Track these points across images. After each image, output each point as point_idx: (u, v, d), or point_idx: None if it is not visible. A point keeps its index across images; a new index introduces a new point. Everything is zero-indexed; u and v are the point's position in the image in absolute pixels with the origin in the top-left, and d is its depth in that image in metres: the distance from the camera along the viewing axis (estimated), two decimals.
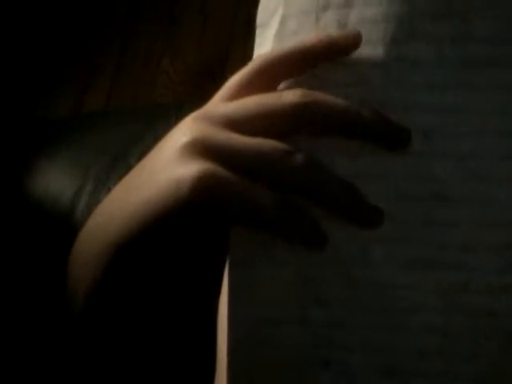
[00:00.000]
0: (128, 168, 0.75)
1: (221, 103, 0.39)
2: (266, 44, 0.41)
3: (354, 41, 0.38)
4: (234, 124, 0.37)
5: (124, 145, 0.74)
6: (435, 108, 0.38)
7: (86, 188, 0.71)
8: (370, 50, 0.38)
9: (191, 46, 1.62)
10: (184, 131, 0.37)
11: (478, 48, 0.38)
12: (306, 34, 0.39)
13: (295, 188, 0.36)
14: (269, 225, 0.37)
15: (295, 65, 0.38)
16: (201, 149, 0.36)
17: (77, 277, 0.41)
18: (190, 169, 0.36)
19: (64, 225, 0.70)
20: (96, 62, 1.61)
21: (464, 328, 0.37)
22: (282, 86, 0.39)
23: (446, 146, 0.38)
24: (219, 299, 0.63)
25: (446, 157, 0.38)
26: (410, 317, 0.38)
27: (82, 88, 1.58)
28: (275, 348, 0.39)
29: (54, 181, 0.72)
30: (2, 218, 0.72)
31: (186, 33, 1.64)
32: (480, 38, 0.38)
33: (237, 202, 0.36)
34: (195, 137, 0.37)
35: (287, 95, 0.37)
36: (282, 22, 0.40)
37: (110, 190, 0.75)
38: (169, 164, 0.37)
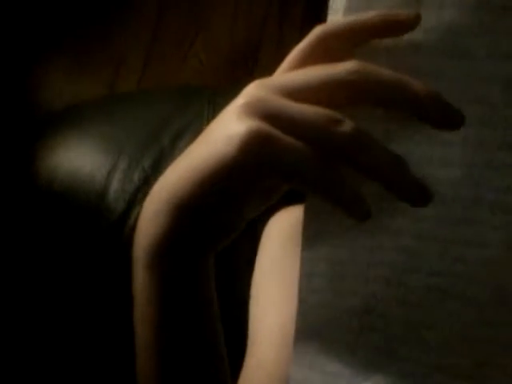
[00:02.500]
0: (160, 148, 0.77)
1: (281, 74, 0.41)
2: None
3: (415, 19, 0.38)
4: (290, 93, 0.38)
5: (156, 125, 0.74)
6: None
7: (119, 166, 0.71)
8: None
9: (223, 30, 1.63)
10: (243, 95, 0.39)
11: None
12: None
13: (341, 155, 0.37)
14: (312, 184, 0.38)
15: (353, 37, 0.39)
16: (255, 110, 0.38)
17: (142, 232, 0.43)
18: (242, 126, 0.37)
19: (98, 201, 0.70)
20: (127, 44, 1.62)
21: None
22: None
23: None
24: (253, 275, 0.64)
25: None
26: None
27: (114, 69, 1.59)
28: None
29: (89, 157, 0.73)
30: (34, 195, 0.73)
31: (219, 16, 1.65)
32: None
33: (283, 159, 0.37)
34: (251, 99, 0.38)
35: (343, 65, 0.38)
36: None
37: (143, 168, 0.76)
38: (225, 123, 0.39)
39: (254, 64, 1.60)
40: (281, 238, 0.63)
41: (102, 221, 0.70)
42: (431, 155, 0.39)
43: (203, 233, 0.42)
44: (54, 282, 0.71)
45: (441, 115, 0.38)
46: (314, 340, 0.42)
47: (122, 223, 0.70)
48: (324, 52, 0.40)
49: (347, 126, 0.37)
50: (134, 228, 0.70)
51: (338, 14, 0.40)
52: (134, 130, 0.74)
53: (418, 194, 0.38)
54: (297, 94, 0.38)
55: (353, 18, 0.39)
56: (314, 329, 0.41)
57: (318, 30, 0.40)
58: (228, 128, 0.38)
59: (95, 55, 1.60)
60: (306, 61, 0.40)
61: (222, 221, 0.41)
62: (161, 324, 0.44)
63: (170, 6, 1.67)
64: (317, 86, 0.38)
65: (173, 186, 0.41)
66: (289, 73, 0.40)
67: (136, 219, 0.69)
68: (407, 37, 0.39)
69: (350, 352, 0.41)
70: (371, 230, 0.40)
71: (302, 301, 0.41)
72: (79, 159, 0.73)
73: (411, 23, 0.38)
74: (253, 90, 0.39)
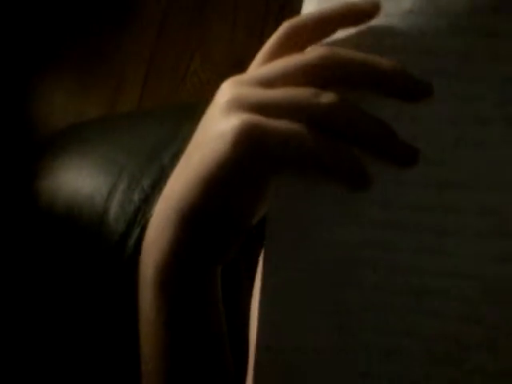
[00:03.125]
0: (160, 167, 0.76)
1: (254, 69, 0.42)
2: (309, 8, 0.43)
3: (374, 8, 0.39)
4: (266, 83, 0.39)
5: (157, 144, 0.74)
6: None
7: (120, 186, 0.71)
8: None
9: (222, 47, 1.63)
10: (221, 95, 0.40)
11: None
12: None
13: (328, 125, 0.38)
14: (313, 163, 0.38)
15: (320, 29, 0.40)
16: (238, 104, 0.38)
17: (149, 248, 0.42)
18: (230, 121, 0.38)
19: (98, 222, 0.70)
20: (127, 63, 1.63)
21: None
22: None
23: None
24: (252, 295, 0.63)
25: None
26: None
27: (113, 89, 1.60)
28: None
29: (89, 178, 0.72)
30: (32, 215, 0.73)
31: (216, 34, 1.65)
32: None
33: (280, 143, 0.37)
34: (232, 96, 0.39)
35: (313, 51, 0.39)
36: None
37: (143, 188, 0.76)
38: (212, 123, 0.39)
39: None
40: None
41: (102, 242, 0.70)
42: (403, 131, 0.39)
43: (212, 242, 0.40)
44: (55, 302, 0.71)
45: (408, 87, 0.38)
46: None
47: (123, 244, 0.70)
48: (294, 45, 0.40)
49: (328, 95, 0.38)
50: (134, 248, 0.71)
51: (312, 2, 0.42)
52: (134, 150, 0.74)
53: (407, 152, 0.38)
54: (272, 83, 0.39)
55: (317, 10, 0.40)
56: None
57: (286, 25, 0.41)
58: (217, 127, 0.38)
59: (95, 76, 1.61)
60: (276, 55, 0.41)
61: (230, 224, 0.40)
62: (169, 339, 0.42)
63: (168, 25, 1.68)
64: (290, 73, 0.39)
65: (176, 197, 0.40)
66: (260, 67, 0.41)
67: (136, 239, 0.70)
68: (371, 23, 0.40)
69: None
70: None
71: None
72: (79, 180, 0.72)
73: (372, 11, 0.40)
74: (230, 88, 0.40)
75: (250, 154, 0.37)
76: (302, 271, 0.39)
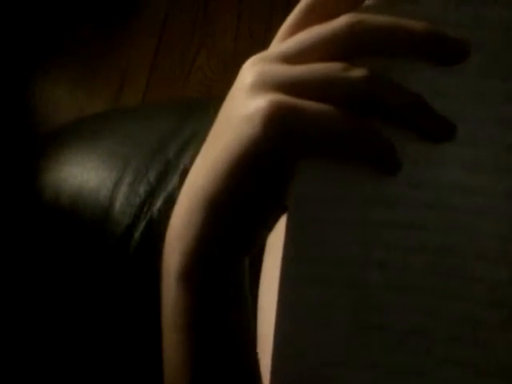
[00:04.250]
0: (166, 160, 0.77)
1: (276, 44, 0.39)
2: None
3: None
4: (289, 58, 0.37)
5: (162, 137, 0.74)
6: None
7: (125, 179, 0.71)
8: None
9: (227, 42, 1.63)
10: (245, 76, 0.37)
11: None
12: None
13: (361, 101, 0.36)
14: (344, 145, 0.36)
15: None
16: (265, 83, 0.36)
17: (175, 235, 0.40)
18: (258, 103, 0.35)
19: (104, 216, 0.70)
20: (132, 58, 1.63)
21: None
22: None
23: None
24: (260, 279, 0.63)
25: None
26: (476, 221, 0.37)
27: (118, 85, 1.60)
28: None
29: (94, 172, 0.72)
30: (37, 209, 0.73)
31: (222, 29, 1.65)
32: None
33: (311, 124, 0.35)
34: (256, 74, 0.36)
35: (336, 21, 0.36)
36: None
37: (148, 181, 0.76)
38: (238, 104, 0.37)
39: None
40: None
41: (108, 235, 0.70)
42: (441, 92, 0.37)
43: (242, 230, 0.38)
44: (60, 295, 0.71)
45: (444, 49, 0.36)
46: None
47: (129, 237, 0.70)
48: (319, 17, 0.38)
49: (359, 70, 0.35)
50: (140, 241, 0.71)
51: None
52: (139, 143, 0.74)
53: (444, 127, 0.37)
54: (297, 57, 0.37)
55: None
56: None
57: None
58: (243, 110, 0.36)
59: (100, 70, 1.61)
60: (300, 28, 0.38)
61: (260, 211, 0.38)
62: (197, 330, 0.40)
63: (173, 20, 1.68)
64: (317, 45, 0.36)
65: (202, 185, 0.38)
66: (284, 41, 0.38)
67: (142, 232, 0.70)
68: None
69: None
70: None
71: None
72: (84, 173, 0.73)
73: None
74: (254, 67, 0.37)
75: (280, 137, 0.35)
76: (324, 264, 0.38)
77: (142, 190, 0.71)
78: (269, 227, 0.39)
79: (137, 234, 0.69)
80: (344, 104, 0.35)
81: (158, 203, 0.70)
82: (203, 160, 0.39)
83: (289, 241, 0.38)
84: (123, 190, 0.71)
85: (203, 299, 0.39)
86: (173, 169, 0.72)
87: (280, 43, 0.38)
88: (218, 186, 0.37)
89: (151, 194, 0.70)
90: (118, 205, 0.70)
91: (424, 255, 0.38)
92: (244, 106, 0.36)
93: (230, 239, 0.38)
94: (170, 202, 0.70)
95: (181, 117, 0.77)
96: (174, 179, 0.71)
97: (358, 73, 0.35)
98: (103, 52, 1.64)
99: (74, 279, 0.71)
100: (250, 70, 0.37)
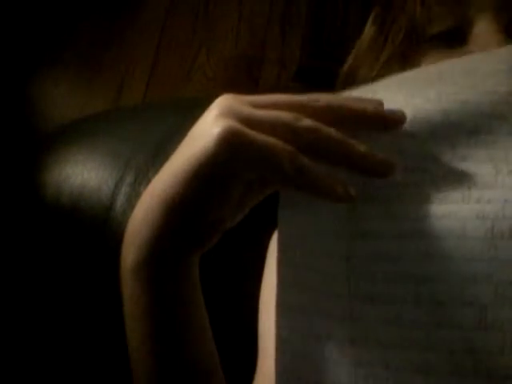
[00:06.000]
0: (167, 159, 0.76)
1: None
2: None
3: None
4: (256, 106, 0.44)
5: (163, 137, 0.74)
6: None
7: (126, 179, 0.71)
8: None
9: (227, 42, 1.63)
10: (216, 105, 0.44)
11: None
12: None
13: (306, 146, 0.42)
14: (285, 173, 0.41)
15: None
16: (229, 114, 0.43)
17: (132, 232, 0.46)
18: (218, 125, 0.42)
19: (105, 216, 0.70)
20: (132, 58, 1.63)
21: None
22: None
23: None
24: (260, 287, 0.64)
25: None
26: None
27: (118, 84, 1.60)
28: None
29: (95, 171, 0.73)
30: (37, 209, 0.73)
31: (222, 29, 1.65)
32: None
33: (256, 149, 0.41)
34: (225, 106, 0.43)
35: (303, 122, 0.43)
36: None
37: (149, 181, 0.76)
38: (202, 126, 0.44)
39: (258, 74, 1.60)
40: None
41: (109, 235, 0.70)
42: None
43: (193, 231, 0.45)
44: (60, 294, 0.71)
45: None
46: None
47: None
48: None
49: (307, 121, 0.43)
50: None
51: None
52: (140, 143, 0.74)
53: (383, 167, 0.42)
54: (263, 107, 0.44)
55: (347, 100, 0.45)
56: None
57: (314, 97, 0.45)
58: (206, 129, 0.43)
59: (100, 70, 1.61)
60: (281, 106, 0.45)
61: (210, 217, 0.45)
62: (147, 319, 0.46)
63: (173, 20, 1.68)
64: (280, 104, 0.44)
65: (163, 186, 0.44)
66: (260, 96, 0.45)
67: None
68: None
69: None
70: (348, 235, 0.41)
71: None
72: (85, 173, 0.73)
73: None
74: (225, 100, 0.44)
75: (230, 156, 0.42)
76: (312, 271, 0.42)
77: (142, 189, 0.71)
78: (217, 235, 0.46)
79: None
80: (290, 144, 0.42)
81: None
82: (167, 167, 0.45)
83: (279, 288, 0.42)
84: (124, 189, 0.71)
85: (153, 290, 0.45)
86: None
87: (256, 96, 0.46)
88: (175, 190, 0.43)
89: None
90: (119, 205, 0.70)
91: (408, 284, 0.39)
92: (207, 126, 0.43)
93: (181, 236, 0.45)
94: None
95: (181, 116, 0.77)
96: None
97: (306, 122, 0.42)
98: (103, 52, 1.64)
99: (74, 279, 0.71)
100: (222, 101, 0.44)
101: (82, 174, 0.73)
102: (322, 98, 0.44)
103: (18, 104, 1.55)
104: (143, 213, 0.45)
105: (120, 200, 0.71)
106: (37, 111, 1.56)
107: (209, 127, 0.43)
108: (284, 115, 0.43)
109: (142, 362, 0.47)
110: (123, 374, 0.69)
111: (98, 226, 0.71)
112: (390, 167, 0.42)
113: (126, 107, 1.28)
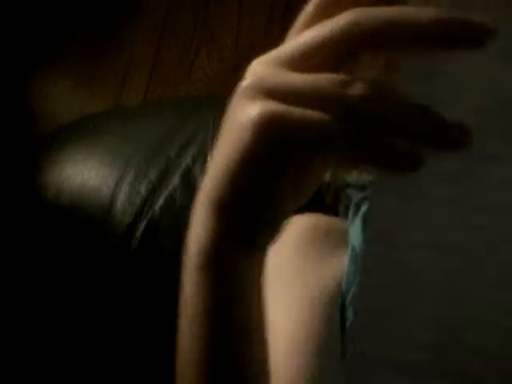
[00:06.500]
0: (167, 159, 0.77)
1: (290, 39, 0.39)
2: None
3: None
4: (291, 63, 0.37)
5: (163, 137, 0.74)
6: None
7: (126, 178, 0.72)
8: None
9: (227, 41, 1.63)
10: (248, 74, 0.38)
11: None
12: None
13: (360, 120, 0.34)
14: (339, 151, 0.35)
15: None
16: (260, 90, 0.36)
17: (192, 237, 0.42)
18: (250, 112, 0.36)
19: (105, 215, 0.71)
20: (133, 58, 1.63)
21: None
22: None
23: None
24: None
25: None
26: None
27: (118, 84, 1.60)
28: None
29: (95, 171, 0.73)
30: (38, 208, 0.73)
31: (222, 28, 1.65)
32: None
33: (301, 132, 0.35)
34: (253, 79, 0.37)
35: (336, 20, 0.35)
36: None
37: (150, 180, 0.76)
38: (235, 109, 0.38)
39: None
40: (294, 243, 0.62)
41: (109, 233, 0.70)
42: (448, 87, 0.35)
43: (247, 230, 0.40)
44: (60, 294, 0.71)
45: (457, 32, 0.34)
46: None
47: (129, 236, 0.70)
48: (333, 12, 0.36)
49: (357, 87, 0.34)
50: (141, 240, 0.71)
51: None
52: (140, 143, 0.74)
53: (456, 136, 0.34)
54: (297, 62, 0.36)
55: None
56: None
57: None
58: (239, 114, 0.37)
59: (100, 70, 1.61)
60: (315, 22, 0.37)
61: (263, 213, 0.40)
62: (208, 317, 0.42)
63: (173, 20, 1.68)
64: (316, 48, 0.36)
65: (209, 187, 0.40)
66: (291, 41, 0.38)
67: (143, 231, 0.70)
68: None
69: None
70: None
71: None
72: (85, 173, 0.73)
73: None
74: (253, 70, 0.37)
75: (273, 145, 0.36)
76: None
77: (143, 188, 0.71)
78: (277, 226, 0.40)
79: (137, 234, 0.70)
80: (339, 119, 0.35)
81: (159, 202, 0.70)
82: (212, 165, 0.40)
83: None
84: (124, 188, 0.71)
85: (215, 290, 0.42)
86: (174, 167, 0.72)
87: (288, 42, 0.38)
88: (221, 191, 0.39)
89: (153, 193, 0.71)
90: (119, 204, 0.71)
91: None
92: (239, 111, 0.37)
93: (235, 238, 0.40)
94: (171, 200, 0.71)
95: (181, 116, 0.77)
96: (175, 178, 0.71)
97: (355, 90, 0.34)
98: (104, 52, 1.64)
99: (75, 278, 0.71)
100: (251, 72, 0.37)
101: (82, 173, 0.73)
102: (357, 16, 0.34)
103: (18, 104, 1.55)
104: (198, 216, 0.41)
105: (120, 199, 0.71)
106: (37, 111, 1.56)
107: (242, 110, 0.37)
108: (327, 82, 0.35)
109: (194, 363, 0.43)
110: (123, 374, 0.70)
111: (98, 225, 0.71)
112: (466, 133, 0.33)
113: (126, 107, 1.28)
